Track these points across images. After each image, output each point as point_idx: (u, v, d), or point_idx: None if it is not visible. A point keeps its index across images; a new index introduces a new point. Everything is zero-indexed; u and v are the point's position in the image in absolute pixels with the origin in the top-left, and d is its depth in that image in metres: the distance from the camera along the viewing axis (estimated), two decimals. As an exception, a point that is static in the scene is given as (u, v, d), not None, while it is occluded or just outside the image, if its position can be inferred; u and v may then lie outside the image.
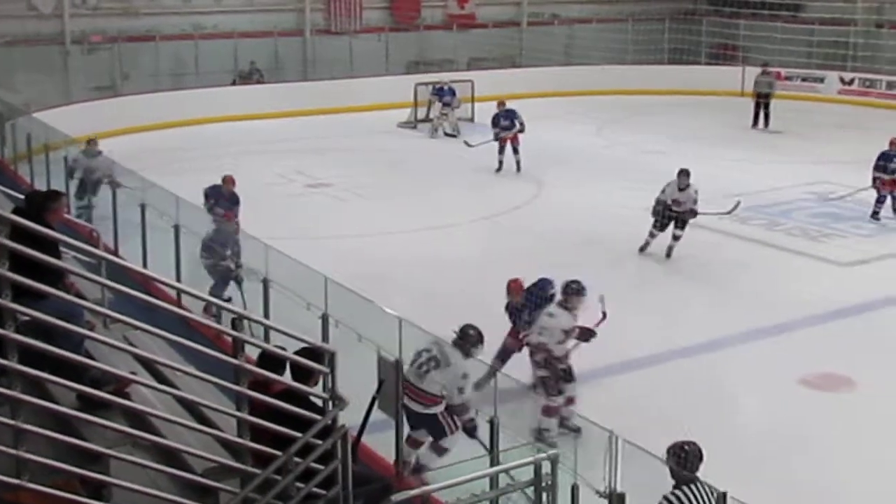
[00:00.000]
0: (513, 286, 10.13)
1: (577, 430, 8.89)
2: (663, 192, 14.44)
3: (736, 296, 12.98)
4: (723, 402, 9.78)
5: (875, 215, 16.09)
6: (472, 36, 32.13)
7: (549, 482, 5.64)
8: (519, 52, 33.32)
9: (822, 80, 29.90)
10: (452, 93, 24.61)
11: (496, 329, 11.30)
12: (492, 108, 20.53)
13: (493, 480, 5.97)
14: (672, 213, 14.35)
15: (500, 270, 13.97)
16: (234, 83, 28.29)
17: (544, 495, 5.64)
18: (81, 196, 14.91)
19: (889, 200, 16.02)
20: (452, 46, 31.56)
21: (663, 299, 12.91)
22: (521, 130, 19.68)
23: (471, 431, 7.91)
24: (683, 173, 14.40)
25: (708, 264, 14.32)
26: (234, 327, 5.27)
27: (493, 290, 13.02)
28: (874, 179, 15.99)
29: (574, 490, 5.80)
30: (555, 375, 9.12)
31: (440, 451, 8.05)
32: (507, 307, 10.20)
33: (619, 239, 15.46)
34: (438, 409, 8.00)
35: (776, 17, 31.90)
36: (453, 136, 24.16)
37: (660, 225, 14.44)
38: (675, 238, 14.44)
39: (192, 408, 5.73)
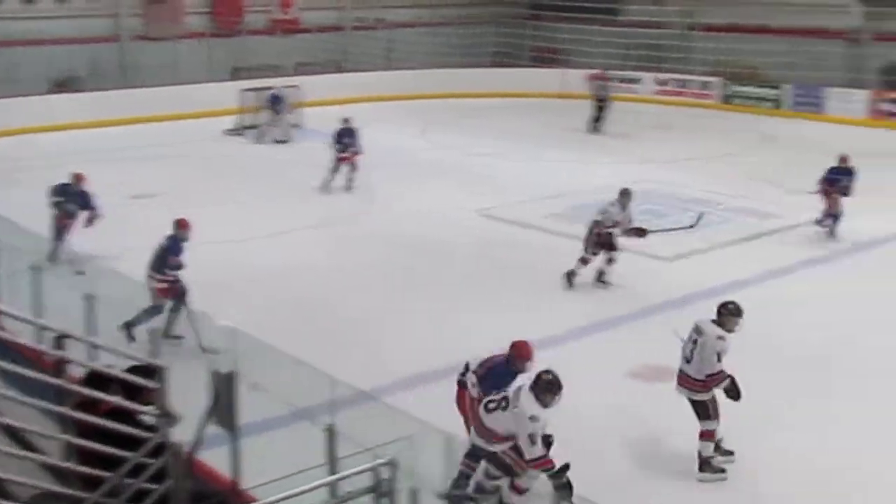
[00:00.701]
0: (526, 349, 8.27)
1: (730, 454, 8.76)
2: (604, 213, 13.41)
3: (566, 294, 13.29)
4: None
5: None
6: (297, 41, 31.88)
7: (389, 488, 5.62)
8: (344, 56, 33.27)
9: (638, 81, 31.00)
10: (281, 99, 24.34)
11: (344, 336, 11.30)
12: (321, 113, 20.39)
13: (332, 489, 5.92)
14: (610, 235, 13.39)
15: (341, 277, 14.02)
16: (49, 91, 27.17)
17: (384, 501, 5.62)
18: None
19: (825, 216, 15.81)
20: (277, 51, 31.21)
21: (497, 299, 13.09)
22: (360, 152, 19.01)
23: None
24: (626, 194, 13.46)
25: (538, 264, 14.58)
26: (57, 346, 5.06)
27: (336, 297, 13.03)
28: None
29: (414, 495, 5.80)
30: (736, 396, 8.52)
31: (520, 489, 7.77)
32: (509, 372, 8.22)
33: (453, 241, 15.67)
34: (500, 447, 7.64)
35: (594, 21, 32.86)
36: (283, 142, 23.93)
37: (592, 249, 13.39)
38: (611, 262, 13.58)
39: (14, 433, 5.47)
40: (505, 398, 7.60)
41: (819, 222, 15.81)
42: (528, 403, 7.44)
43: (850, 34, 29.02)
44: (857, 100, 27.66)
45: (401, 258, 14.83)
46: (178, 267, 11.17)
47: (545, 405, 7.45)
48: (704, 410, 8.49)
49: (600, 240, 13.36)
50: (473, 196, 18.18)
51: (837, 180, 15.58)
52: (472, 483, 7.83)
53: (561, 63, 32.53)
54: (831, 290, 13.46)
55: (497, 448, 7.64)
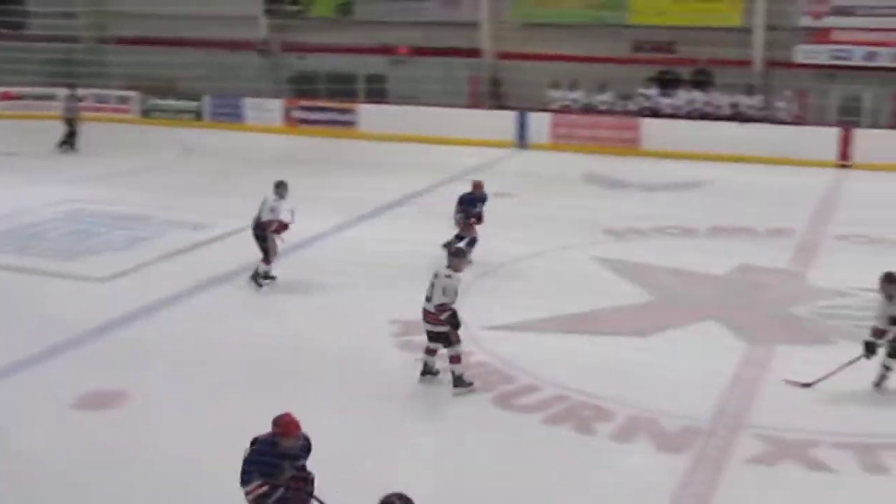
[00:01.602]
0: (293, 427, 7.00)
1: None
2: (266, 207, 13.47)
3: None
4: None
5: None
6: None
7: None
8: None
9: (53, 97, 29.76)
10: None
11: None
12: None
13: None
14: (265, 229, 13.53)
15: None
16: None
17: None
18: None
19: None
20: None
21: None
22: None
23: None
24: (282, 185, 13.57)
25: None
26: None
27: None
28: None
29: None
30: (455, 326, 10.27)
31: None
32: (276, 448, 6.98)
33: None
34: None
35: (-4, 35, 31.15)
36: None
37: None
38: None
39: None
40: None
41: (448, 245, 15.41)
42: None
43: (260, 45, 30.40)
44: (273, 108, 29.08)
45: None
46: None
47: None
48: (447, 339, 10.32)
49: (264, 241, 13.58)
50: None
51: (473, 206, 15.41)
52: None
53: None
54: (269, 294, 13.97)
55: None
